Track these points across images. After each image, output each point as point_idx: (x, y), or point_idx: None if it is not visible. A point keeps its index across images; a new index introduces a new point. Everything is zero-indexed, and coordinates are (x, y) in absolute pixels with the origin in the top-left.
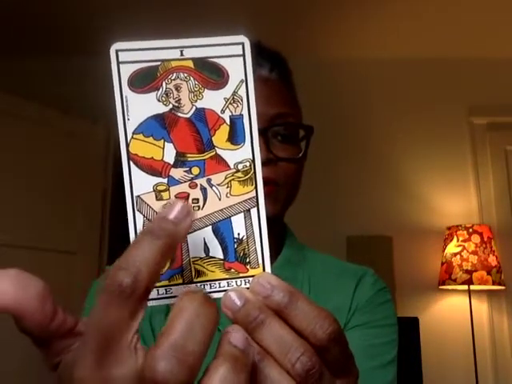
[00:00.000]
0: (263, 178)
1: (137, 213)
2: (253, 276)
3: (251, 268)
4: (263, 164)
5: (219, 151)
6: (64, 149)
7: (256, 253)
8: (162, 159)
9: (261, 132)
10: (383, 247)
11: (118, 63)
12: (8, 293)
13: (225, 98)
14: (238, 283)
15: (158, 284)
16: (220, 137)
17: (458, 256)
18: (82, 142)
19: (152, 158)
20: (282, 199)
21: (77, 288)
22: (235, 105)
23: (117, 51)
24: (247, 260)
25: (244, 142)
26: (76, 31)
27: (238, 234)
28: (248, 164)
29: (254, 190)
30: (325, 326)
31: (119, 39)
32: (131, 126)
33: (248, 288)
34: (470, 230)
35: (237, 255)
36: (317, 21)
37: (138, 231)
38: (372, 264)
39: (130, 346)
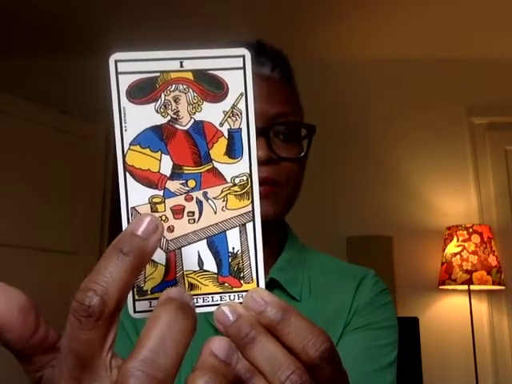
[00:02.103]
0: (264, 178)
1: None
2: (246, 291)
3: (245, 283)
4: (264, 163)
5: (216, 164)
6: (64, 149)
7: (250, 268)
8: (158, 171)
9: (262, 131)
10: (383, 247)
11: (117, 73)
12: None
13: (224, 111)
14: (232, 298)
15: (151, 296)
16: (218, 150)
17: (458, 256)
18: (82, 142)
19: (148, 169)
20: (284, 200)
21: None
22: (234, 118)
23: (116, 61)
24: (241, 275)
25: (242, 155)
26: (76, 31)
27: (233, 248)
28: (245, 178)
29: (251, 205)
30: (317, 344)
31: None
32: (128, 137)
33: (241, 303)
34: (470, 229)
35: (231, 269)
36: (316, 22)
37: None
38: (372, 264)
39: (105, 364)
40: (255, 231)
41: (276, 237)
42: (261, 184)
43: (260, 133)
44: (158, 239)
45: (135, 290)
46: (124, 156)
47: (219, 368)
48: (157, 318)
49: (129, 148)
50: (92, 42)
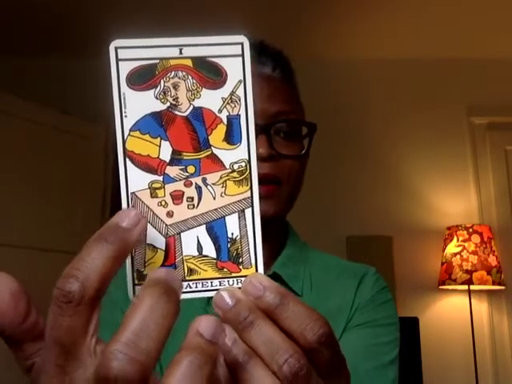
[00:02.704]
0: (266, 175)
1: None
2: (245, 276)
3: (244, 268)
4: (265, 160)
5: (215, 151)
6: (64, 149)
7: (249, 253)
8: (158, 157)
9: (263, 129)
10: (383, 247)
11: (117, 60)
12: None
13: (222, 98)
14: (230, 283)
15: None
16: (216, 136)
17: (458, 256)
18: (82, 141)
19: (148, 155)
20: (285, 198)
21: None
22: (233, 105)
23: (116, 48)
24: (240, 260)
25: (240, 142)
26: (76, 31)
27: (232, 233)
28: (244, 164)
29: (249, 191)
30: (315, 329)
31: (118, 38)
32: (128, 123)
33: (240, 288)
34: (470, 229)
35: (230, 255)
36: (316, 22)
37: None
38: (372, 264)
39: (89, 350)
40: (254, 217)
41: (277, 235)
42: (262, 182)
43: (261, 130)
44: (141, 231)
45: (135, 274)
46: (124, 142)
47: (205, 348)
48: (140, 302)
49: (129, 134)
50: (92, 42)
